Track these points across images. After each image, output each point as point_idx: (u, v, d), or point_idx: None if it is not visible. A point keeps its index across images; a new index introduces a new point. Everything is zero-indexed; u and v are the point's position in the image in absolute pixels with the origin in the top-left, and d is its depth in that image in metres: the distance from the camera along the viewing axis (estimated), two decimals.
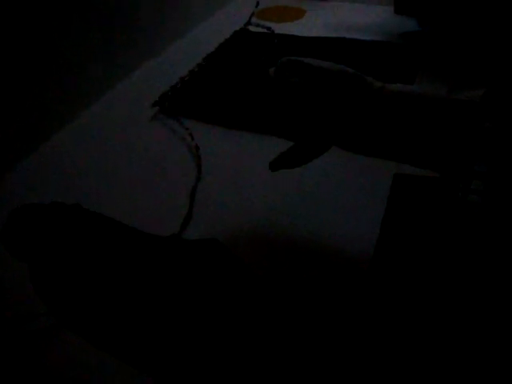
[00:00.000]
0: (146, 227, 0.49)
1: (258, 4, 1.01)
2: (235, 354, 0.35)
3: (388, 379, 0.35)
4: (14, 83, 0.63)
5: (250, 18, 1.00)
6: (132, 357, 0.36)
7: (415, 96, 0.42)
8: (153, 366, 0.35)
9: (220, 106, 0.75)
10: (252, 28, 0.98)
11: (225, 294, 0.37)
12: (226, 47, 0.91)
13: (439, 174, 0.47)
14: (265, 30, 0.98)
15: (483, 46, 0.78)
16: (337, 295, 0.45)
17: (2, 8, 0.59)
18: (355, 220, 0.55)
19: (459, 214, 0.44)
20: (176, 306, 0.36)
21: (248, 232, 0.54)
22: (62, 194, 0.60)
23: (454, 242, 0.44)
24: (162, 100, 0.76)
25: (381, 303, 0.43)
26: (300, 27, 1.00)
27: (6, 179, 0.63)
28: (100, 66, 0.77)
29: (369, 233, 0.52)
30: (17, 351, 0.44)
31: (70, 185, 0.62)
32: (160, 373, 0.35)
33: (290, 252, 0.52)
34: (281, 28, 0.98)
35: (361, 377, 0.35)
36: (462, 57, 0.80)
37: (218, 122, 0.71)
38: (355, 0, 1.10)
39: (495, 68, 0.62)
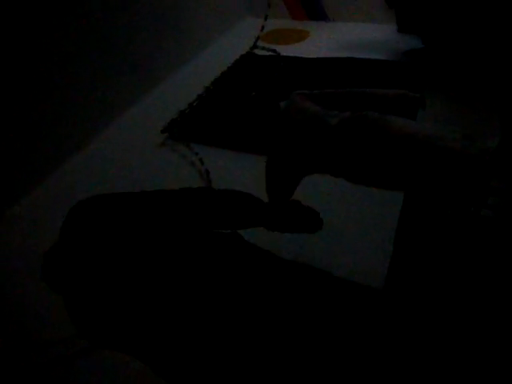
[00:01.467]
0: None
1: (263, 28, 1.02)
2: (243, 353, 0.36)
3: None
4: (23, 111, 0.64)
5: (256, 41, 1.01)
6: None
7: (421, 141, 0.40)
8: None
9: (228, 129, 0.75)
10: (258, 51, 1.00)
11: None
12: (233, 71, 0.92)
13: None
14: (271, 53, 0.99)
15: (487, 61, 0.79)
16: (351, 315, 0.45)
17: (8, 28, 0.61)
18: (367, 239, 0.54)
19: (472, 229, 0.44)
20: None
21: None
22: None
23: (467, 257, 0.44)
24: (170, 126, 0.77)
25: (397, 322, 0.43)
26: (305, 48, 1.01)
27: (14, 210, 0.64)
28: (107, 94, 0.78)
29: (382, 251, 0.52)
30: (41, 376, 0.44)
31: None
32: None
33: (301, 270, 0.51)
34: (286, 50, 0.99)
35: None
36: (468, 73, 0.81)
37: (227, 145, 0.72)
38: (358, 19, 1.11)
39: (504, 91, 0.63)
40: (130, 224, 0.46)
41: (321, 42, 1.04)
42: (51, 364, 0.44)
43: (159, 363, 0.40)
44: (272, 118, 0.47)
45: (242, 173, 0.67)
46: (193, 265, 0.44)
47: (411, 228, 0.54)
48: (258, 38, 1.02)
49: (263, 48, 1.00)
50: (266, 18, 1.02)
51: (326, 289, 0.46)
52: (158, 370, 0.40)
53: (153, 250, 0.46)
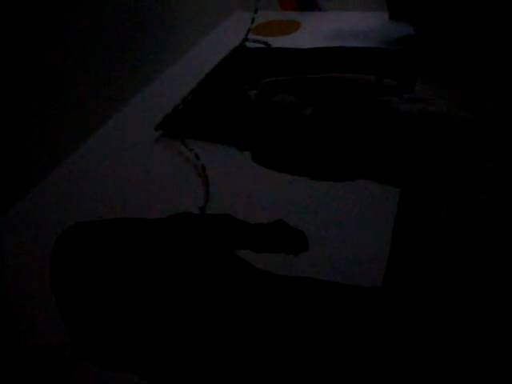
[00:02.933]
0: None
1: (253, 20, 1.01)
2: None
3: None
4: (17, 112, 0.64)
5: (247, 34, 1.01)
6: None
7: (433, 116, 0.40)
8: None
9: (223, 124, 0.75)
10: (249, 44, 0.99)
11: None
12: (225, 65, 0.92)
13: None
14: (262, 45, 0.98)
15: (479, 46, 0.79)
16: (350, 311, 0.45)
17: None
18: (365, 234, 0.54)
19: (468, 221, 0.44)
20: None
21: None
22: (68, 220, 0.60)
23: (464, 254, 0.44)
24: (164, 122, 0.76)
25: (397, 320, 0.43)
26: (297, 39, 1.01)
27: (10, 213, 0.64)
28: (100, 93, 0.78)
29: (380, 249, 0.52)
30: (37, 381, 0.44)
31: (77, 210, 0.62)
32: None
33: (300, 266, 0.51)
34: (278, 42, 0.99)
35: None
36: (460, 58, 0.80)
37: (222, 140, 0.72)
38: (349, 8, 1.11)
39: (496, 70, 0.62)
40: (119, 254, 0.46)
41: (312, 32, 1.03)
42: (51, 366, 0.44)
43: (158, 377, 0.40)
44: (243, 107, 0.47)
45: (238, 167, 0.67)
46: (188, 281, 0.44)
47: (408, 226, 0.53)
48: (249, 31, 1.01)
49: (255, 40, 1.00)
50: (256, 11, 1.01)
51: (323, 290, 0.46)
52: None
53: (146, 268, 0.45)
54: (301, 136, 0.43)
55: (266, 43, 0.99)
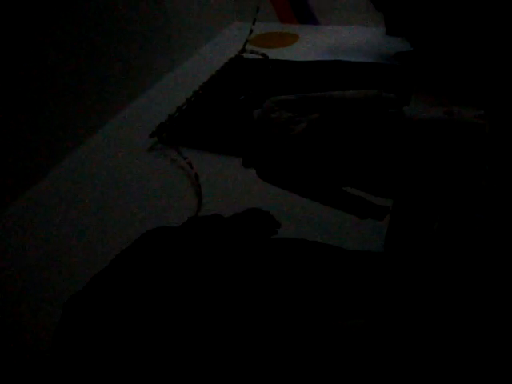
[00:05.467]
0: None
1: (251, 32, 1.02)
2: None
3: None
4: (15, 120, 0.64)
5: (245, 45, 1.01)
6: None
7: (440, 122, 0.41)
8: None
9: (217, 133, 0.75)
10: (247, 55, 1.00)
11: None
12: (222, 75, 0.92)
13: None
14: (259, 57, 0.99)
15: (475, 61, 0.79)
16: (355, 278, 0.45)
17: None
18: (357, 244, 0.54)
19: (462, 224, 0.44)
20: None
21: None
22: (64, 227, 0.60)
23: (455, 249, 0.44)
24: (159, 130, 0.76)
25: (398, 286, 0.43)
26: (294, 52, 1.01)
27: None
28: (95, 100, 0.78)
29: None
30: None
31: (72, 218, 0.62)
32: None
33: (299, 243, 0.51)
34: (275, 54, 0.99)
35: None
36: (456, 74, 0.81)
37: (217, 149, 0.72)
38: (346, 23, 1.12)
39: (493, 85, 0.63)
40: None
41: (310, 45, 1.04)
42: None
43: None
44: (246, 126, 0.47)
45: (231, 176, 0.67)
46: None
47: (400, 239, 0.53)
48: (246, 42, 1.02)
49: (252, 51, 1.00)
50: (254, 22, 1.02)
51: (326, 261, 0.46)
52: None
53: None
54: (293, 152, 0.43)
55: (263, 54, 0.99)
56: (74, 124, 0.74)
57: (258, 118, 0.45)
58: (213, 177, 0.66)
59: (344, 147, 0.42)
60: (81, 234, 0.59)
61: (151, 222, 0.60)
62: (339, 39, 1.05)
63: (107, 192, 0.66)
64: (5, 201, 0.64)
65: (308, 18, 1.15)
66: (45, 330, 0.46)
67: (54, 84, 0.69)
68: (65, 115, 0.71)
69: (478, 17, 0.77)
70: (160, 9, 0.90)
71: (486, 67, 0.76)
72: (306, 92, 0.45)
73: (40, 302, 0.50)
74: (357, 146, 0.42)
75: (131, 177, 0.69)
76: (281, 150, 0.43)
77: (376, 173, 0.42)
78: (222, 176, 0.67)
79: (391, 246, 0.48)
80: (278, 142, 0.43)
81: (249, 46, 1.01)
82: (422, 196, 0.43)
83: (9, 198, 0.64)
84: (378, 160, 0.42)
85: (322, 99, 0.45)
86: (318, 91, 0.46)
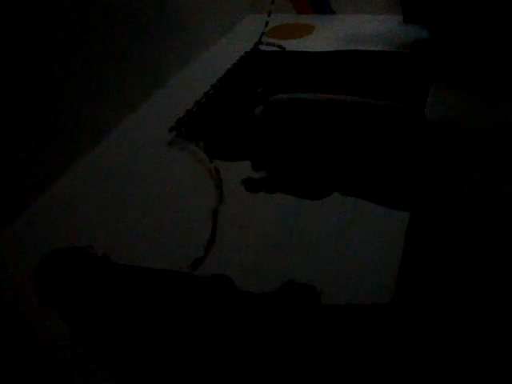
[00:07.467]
0: (169, 252, 0.50)
1: (267, 23, 1.02)
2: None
3: None
4: (32, 113, 0.65)
5: (261, 37, 1.01)
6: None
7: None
8: None
9: (236, 126, 0.75)
10: (263, 47, 0.99)
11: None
12: (239, 68, 0.92)
13: None
14: (276, 49, 0.99)
15: (494, 48, 0.78)
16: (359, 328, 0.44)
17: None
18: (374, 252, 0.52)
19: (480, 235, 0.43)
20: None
21: (270, 253, 0.54)
22: (83, 221, 0.61)
23: (475, 266, 0.43)
24: (178, 125, 0.77)
25: (407, 335, 0.42)
26: (311, 43, 1.01)
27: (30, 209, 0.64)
28: (114, 95, 0.78)
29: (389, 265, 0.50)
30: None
31: (92, 212, 0.62)
32: None
33: (309, 276, 0.51)
34: (292, 45, 0.99)
35: None
36: (475, 61, 0.80)
37: (235, 144, 0.72)
38: (363, 11, 1.10)
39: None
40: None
41: (327, 35, 1.03)
42: (49, 369, 0.44)
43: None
44: (248, 123, 0.46)
45: (250, 169, 0.67)
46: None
47: (419, 240, 0.51)
48: (262, 34, 1.01)
49: (268, 44, 1.00)
50: (269, 14, 1.01)
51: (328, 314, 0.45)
52: None
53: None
54: (304, 160, 0.43)
55: (279, 46, 0.99)
56: (92, 121, 0.75)
57: (261, 117, 0.44)
58: (232, 170, 0.67)
59: (361, 156, 0.42)
60: (103, 228, 0.60)
61: (171, 216, 0.61)
62: (356, 28, 1.04)
63: (126, 187, 0.67)
64: (34, 193, 0.65)
65: (324, 7, 1.14)
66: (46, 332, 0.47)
67: (70, 82, 0.70)
68: (82, 113, 0.72)
69: (499, 2, 0.75)
70: (174, 5, 0.90)
71: (507, 55, 0.75)
72: (323, 85, 0.44)
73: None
74: (375, 155, 0.41)
75: (151, 171, 0.69)
76: (291, 157, 0.43)
77: (393, 183, 0.41)
78: (242, 169, 0.67)
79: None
80: (287, 150, 0.43)
81: (265, 38, 1.01)
82: (439, 205, 0.42)
83: (37, 192, 0.66)
84: (396, 169, 0.41)
85: (341, 104, 0.44)
86: (337, 83, 0.45)
